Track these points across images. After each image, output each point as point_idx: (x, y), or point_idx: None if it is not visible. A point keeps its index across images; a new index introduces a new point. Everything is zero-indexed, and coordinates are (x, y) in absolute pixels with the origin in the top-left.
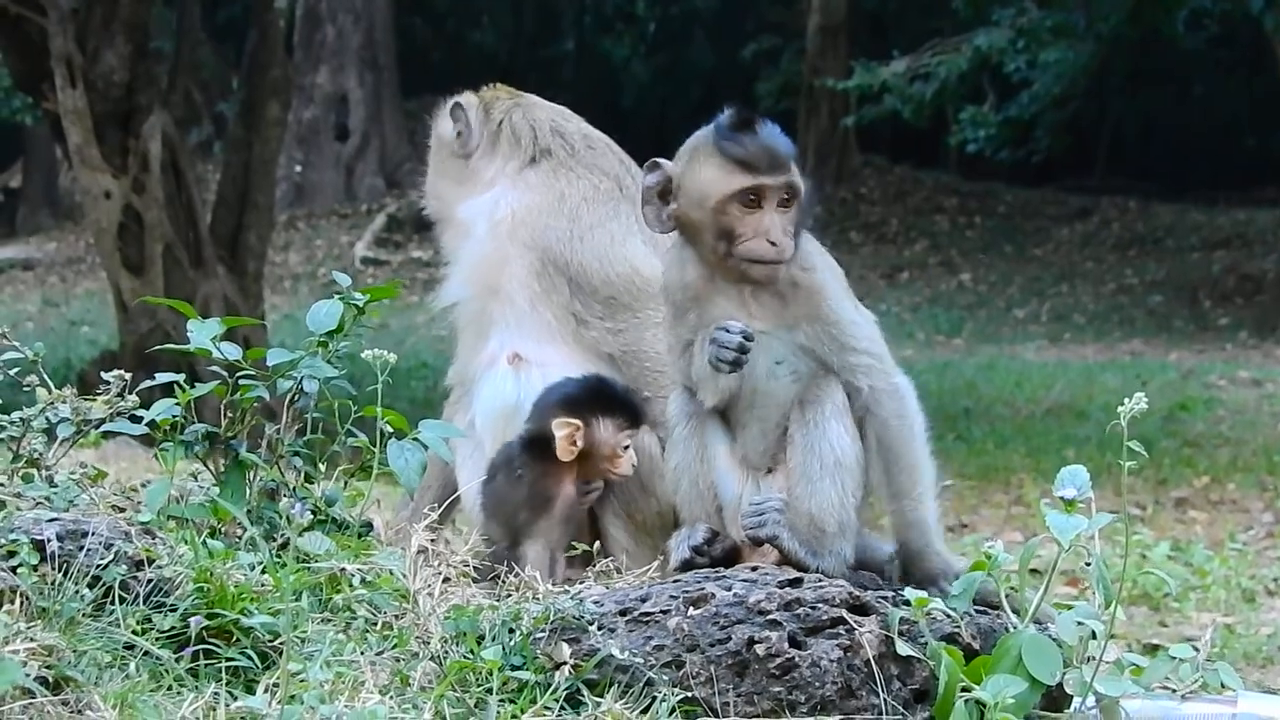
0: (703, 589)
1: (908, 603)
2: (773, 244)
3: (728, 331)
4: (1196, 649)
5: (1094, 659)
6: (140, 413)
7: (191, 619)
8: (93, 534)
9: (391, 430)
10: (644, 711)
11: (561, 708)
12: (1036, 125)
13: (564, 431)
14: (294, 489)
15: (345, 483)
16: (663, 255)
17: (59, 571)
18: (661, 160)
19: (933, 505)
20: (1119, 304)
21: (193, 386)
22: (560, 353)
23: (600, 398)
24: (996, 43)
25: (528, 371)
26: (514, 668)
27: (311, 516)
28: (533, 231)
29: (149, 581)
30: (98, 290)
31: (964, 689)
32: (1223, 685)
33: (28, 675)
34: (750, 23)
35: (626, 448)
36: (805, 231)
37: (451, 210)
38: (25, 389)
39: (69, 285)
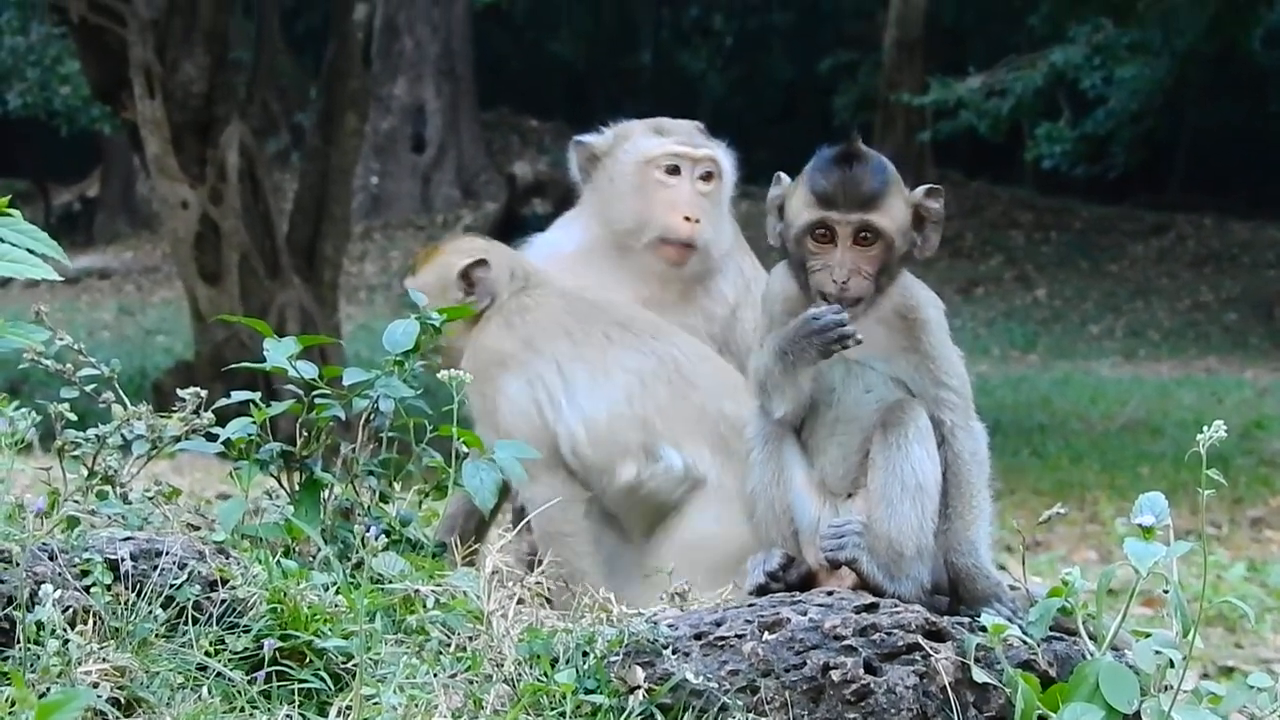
0: (778, 613)
1: (984, 629)
2: (835, 281)
3: (817, 319)
4: (1275, 676)
5: (1172, 687)
6: (215, 430)
7: (265, 640)
8: (167, 553)
9: (466, 450)
10: None
11: None
12: (1112, 141)
13: None
14: (368, 509)
15: (420, 502)
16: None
17: (132, 591)
18: (784, 176)
19: (985, 532)
20: (1194, 320)
21: (268, 402)
22: None
23: None
24: (1072, 59)
25: None
26: (588, 691)
27: (385, 537)
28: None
29: (222, 602)
30: (174, 299)
31: (1040, 717)
32: None
33: (99, 696)
34: (827, 37)
35: None
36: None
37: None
38: (101, 404)
39: (145, 294)
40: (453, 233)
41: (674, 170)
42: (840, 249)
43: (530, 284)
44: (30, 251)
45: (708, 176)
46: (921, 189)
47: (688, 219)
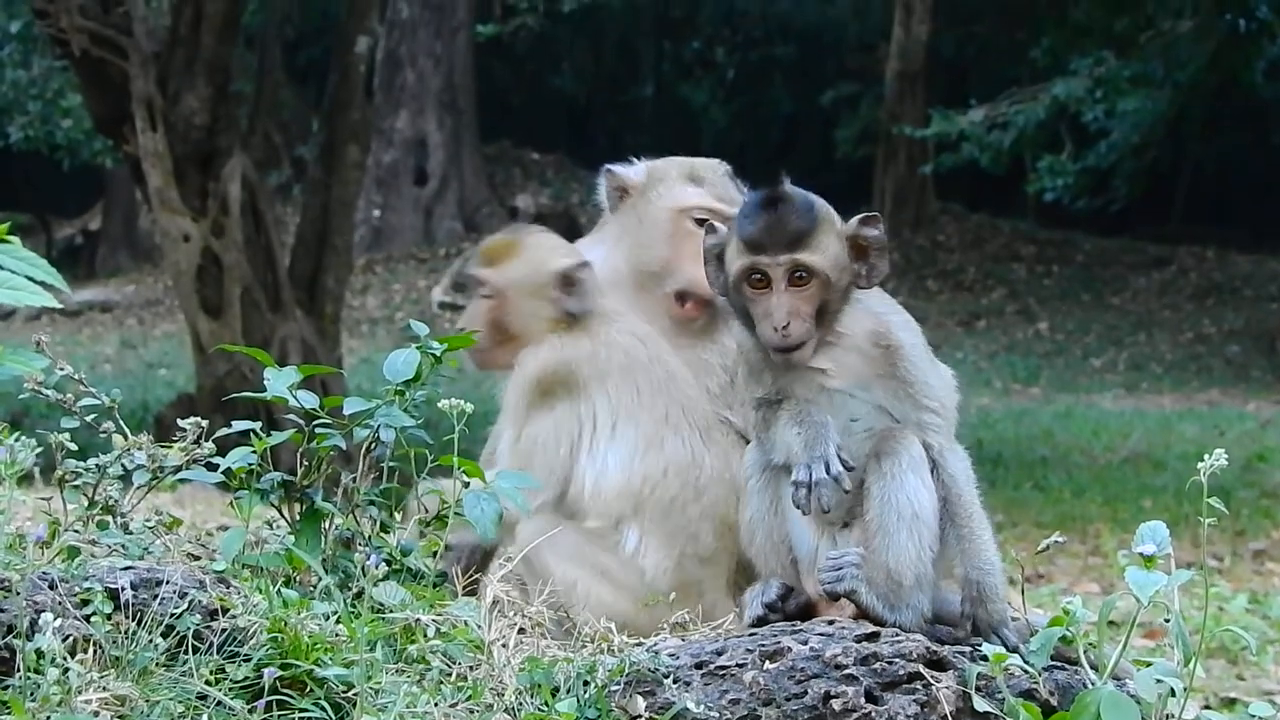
0: (779, 643)
1: (985, 658)
2: (776, 329)
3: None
4: (1277, 706)
5: (1173, 717)
6: (216, 460)
7: (265, 669)
8: (167, 582)
9: (468, 480)
10: None
11: None
12: (1114, 174)
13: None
14: (369, 538)
15: (421, 532)
16: None
17: (133, 620)
18: (719, 225)
19: (997, 551)
20: (1196, 353)
21: (269, 432)
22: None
23: None
24: (1074, 92)
25: None
26: None
27: (386, 566)
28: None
29: (223, 631)
30: (176, 333)
31: None
32: None
33: None
34: (829, 69)
35: None
36: (879, 289)
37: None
38: (102, 434)
39: (147, 327)
40: (532, 231)
41: (704, 223)
42: (775, 292)
43: (616, 316)
44: (30, 279)
45: None
46: (856, 219)
47: None
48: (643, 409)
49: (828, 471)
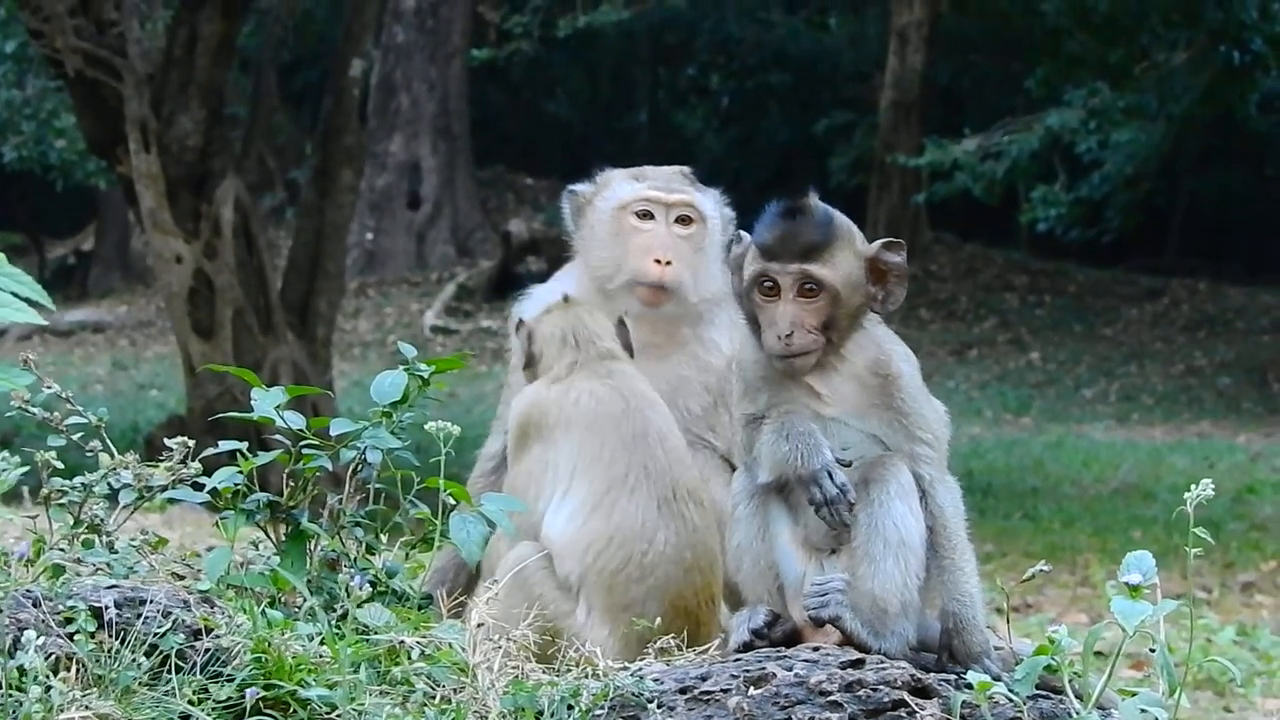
0: (763, 669)
1: (970, 686)
2: (779, 337)
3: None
4: None
5: None
6: (203, 480)
7: (248, 690)
8: (151, 602)
9: (454, 502)
10: None
11: None
12: (1107, 205)
13: None
14: (355, 560)
15: (406, 554)
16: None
17: (116, 639)
18: (745, 234)
19: (978, 583)
20: (1188, 385)
21: (257, 454)
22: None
23: None
24: (1068, 122)
25: None
26: None
27: (371, 588)
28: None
29: (206, 651)
30: (167, 354)
31: None
32: None
33: None
34: (824, 98)
35: None
36: (879, 320)
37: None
38: (89, 454)
39: (139, 348)
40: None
41: (647, 215)
42: (783, 301)
43: (616, 369)
44: (16, 296)
45: (685, 220)
46: (879, 242)
47: (658, 261)
48: (601, 464)
49: (833, 481)
